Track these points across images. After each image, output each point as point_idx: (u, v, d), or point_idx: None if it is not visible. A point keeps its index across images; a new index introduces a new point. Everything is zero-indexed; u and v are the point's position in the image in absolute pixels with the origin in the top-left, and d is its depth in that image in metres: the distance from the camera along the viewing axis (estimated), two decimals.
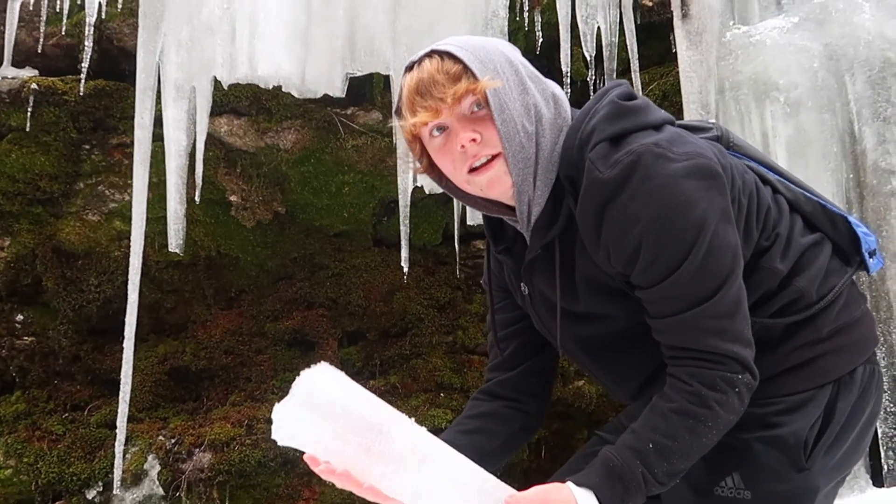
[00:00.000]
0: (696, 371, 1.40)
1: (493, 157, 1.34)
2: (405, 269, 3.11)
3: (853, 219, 1.66)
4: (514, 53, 1.41)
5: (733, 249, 1.40)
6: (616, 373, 1.60)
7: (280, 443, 1.30)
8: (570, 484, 1.37)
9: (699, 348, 1.39)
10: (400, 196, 3.08)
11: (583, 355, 1.59)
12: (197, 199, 3.03)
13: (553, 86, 1.43)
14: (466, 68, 1.32)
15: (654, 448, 1.39)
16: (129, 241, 3.12)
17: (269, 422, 3.32)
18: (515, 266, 1.54)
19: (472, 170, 1.34)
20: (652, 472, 1.39)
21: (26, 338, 3.30)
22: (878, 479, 3.03)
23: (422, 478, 1.32)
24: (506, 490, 1.37)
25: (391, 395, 3.36)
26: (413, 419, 1.33)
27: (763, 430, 1.50)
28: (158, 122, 3.11)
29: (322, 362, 1.31)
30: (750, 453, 1.50)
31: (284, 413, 1.30)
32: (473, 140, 1.32)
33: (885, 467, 2.97)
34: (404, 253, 3.09)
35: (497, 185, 1.37)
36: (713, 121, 1.68)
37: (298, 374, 1.29)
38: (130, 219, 3.12)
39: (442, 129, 1.35)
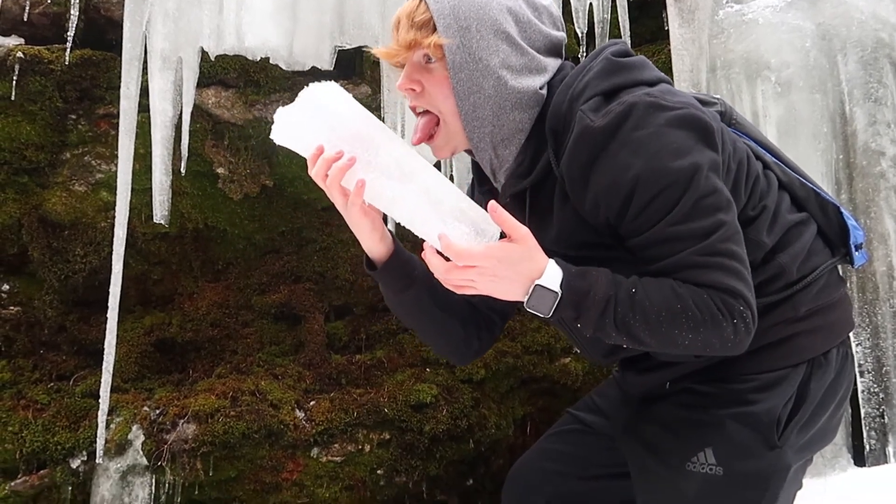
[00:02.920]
0: (707, 290, 1.36)
1: (437, 122, 1.40)
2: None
3: (845, 211, 1.66)
4: (521, 8, 1.41)
5: (726, 195, 1.39)
6: None
7: (277, 141, 1.36)
8: (551, 259, 1.36)
9: (699, 282, 1.35)
10: None
11: None
12: (182, 170, 3.02)
13: (558, 43, 1.44)
14: (431, 20, 1.35)
15: (634, 294, 1.36)
16: (115, 211, 3.12)
17: (253, 393, 3.30)
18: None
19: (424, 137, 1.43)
20: (616, 309, 1.35)
21: (12, 308, 3.29)
22: (859, 459, 3.04)
23: (401, 188, 1.34)
24: (480, 211, 1.37)
25: (377, 370, 3.37)
26: (405, 139, 1.34)
27: (737, 406, 1.50)
28: (145, 92, 3.09)
29: (330, 82, 1.36)
30: (723, 429, 1.49)
31: (286, 116, 1.36)
32: (411, 89, 1.39)
33: (867, 447, 2.98)
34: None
35: (443, 149, 1.44)
36: (718, 96, 1.67)
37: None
38: (117, 190, 3.11)
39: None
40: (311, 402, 3.20)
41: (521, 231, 1.36)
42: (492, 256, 1.34)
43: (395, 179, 1.35)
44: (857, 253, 1.64)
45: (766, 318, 1.47)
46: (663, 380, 1.57)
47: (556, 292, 1.34)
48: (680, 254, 1.37)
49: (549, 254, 1.42)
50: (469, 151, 1.49)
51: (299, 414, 3.15)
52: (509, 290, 1.36)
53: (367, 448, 3.21)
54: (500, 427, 3.43)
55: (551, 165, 1.43)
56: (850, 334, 1.62)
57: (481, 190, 1.59)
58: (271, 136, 1.36)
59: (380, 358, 3.39)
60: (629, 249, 1.43)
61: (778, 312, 1.50)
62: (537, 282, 1.34)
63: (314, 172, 1.38)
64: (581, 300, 1.35)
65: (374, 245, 1.50)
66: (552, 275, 1.35)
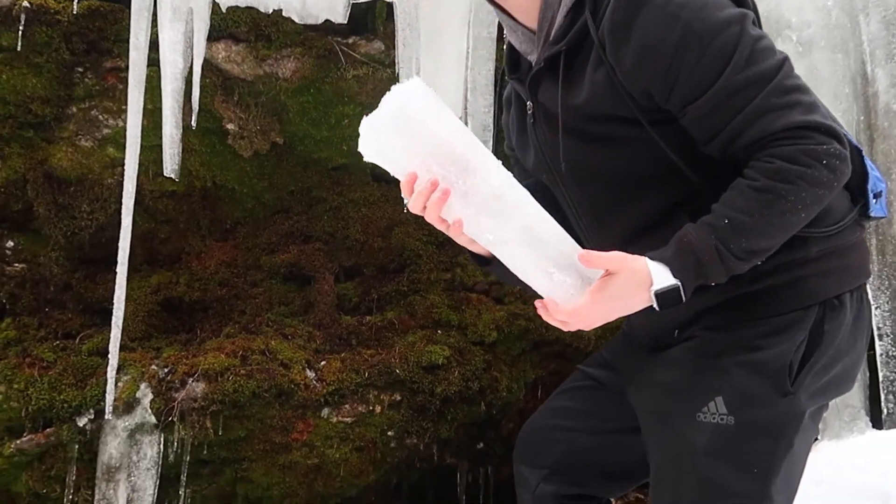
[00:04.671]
0: (777, 150, 1.35)
1: None
2: (407, 203, 3.05)
3: (867, 158, 1.62)
4: None
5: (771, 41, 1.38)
6: (601, 215, 1.56)
7: (367, 157, 1.30)
8: (645, 258, 1.36)
9: (775, 130, 1.32)
10: None
11: (574, 185, 1.55)
12: (193, 123, 2.96)
13: None
14: None
15: (728, 223, 1.34)
16: (123, 168, 3.05)
17: (263, 353, 3.25)
18: (524, 90, 1.55)
19: None
20: (727, 246, 1.33)
21: (17, 264, 3.23)
22: (877, 423, 3.02)
23: (501, 227, 1.30)
24: (577, 247, 1.36)
25: (388, 331, 3.33)
26: (501, 162, 1.31)
27: (745, 353, 1.46)
28: (154, 46, 3.02)
29: (415, 78, 1.29)
30: (731, 377, 1.46)
31: (373, 127, 1.27)
32: None
33: (885, 411, 2.96)
34: None
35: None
36: None
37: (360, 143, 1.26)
38: (124, 146, 3.05)
39: None
40: (322, 363, 3.16)
41: (617, 260, 1.37)
42: (599, 302, 1.37)
43: (493, 216, 1.30)
44: (874, 202, 1.59)
45: (775, 258, 1.43)
46: (671, 326, 1.52)
47: (675, 284, 1.33)
48: (754, 101, 1.34)
49: (571, 126, 1.44)
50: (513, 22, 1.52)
51: (310, 374, 3.11)
52: (630, 308, 1.40)
53: (378, 409, 3.17)
54: (512, 390, 3.39)
55: (588, 28, 1.41)
56: (868, 290, 1.58)
57: (511, 78, 1.60)
58: (360, 150, 1.29)
59: (390, 319, 3.35)
60: (665, 122, 1.40)
61: (790, 252, 1.45)
62: (653, 289, 1.35)
63: (410, 205, 1.36)
64: (698, 270, 1.35)
65: (482, 250, 1.51)
66: (659, 273, 1.36)
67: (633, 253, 1.48)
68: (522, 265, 1.36)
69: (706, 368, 1.49)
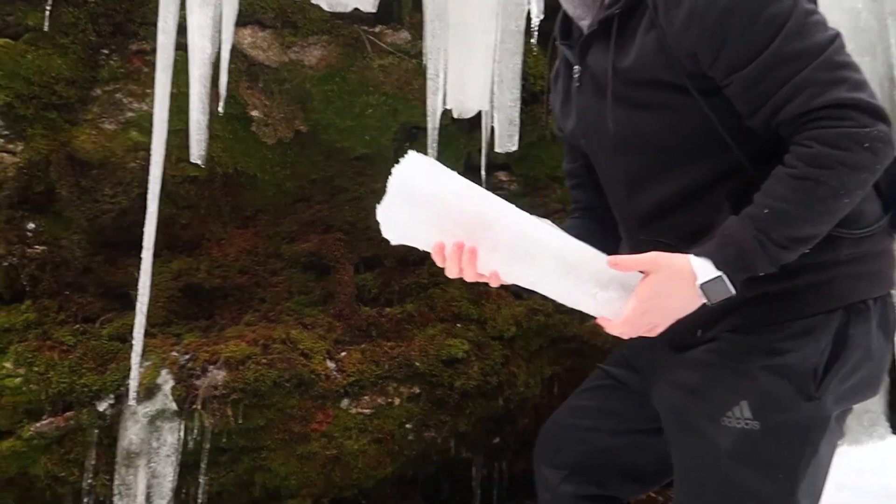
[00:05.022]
0: (816, 133, 1.34)
1: None
2: None
3: None
4: None
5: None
6: (635, 186, 1.56)
7: (393, 242, 1.35)
8: (689, 255, 1.37)
9: (818, 106, 1.32)
10: (428, 118, 3.00)
11: (612, 152, 1.56)
12: (220, 110, 2.94)
13: None
14: None
15: (769, 213, 1.35)
16: (146, 152, 3.04)
17: (284, 342, 3.26)
18: (574, 54, 1.59)
19: None
20: (768, 235, 1.33)
21: (38, 247, 3.21)
22: None
23: (535, 266, 1.34)
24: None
25: (407, 323, 3.32)
26: (514, 205, 1.36)
27: (769, 357, 1.46)
28: (181, 30, 2.99)
29: (411, 152, 1.34)
30: (757, 382, 1.46)
31: (387, 211, 1.32)
32: None
33: None
34: None
35: None
36: None
37: (393, 170, 1.30)
38: (147, 129, 3.03)
39: None
40: (342, 353, 3.15)
41: (648, 258, 1.39)
42: (645, 303, 1.38)
43: (523, 259, 1.33)
44: None
45: (802, 258, 1.43)
46: (693, 325, 1.52)
47: (718, 275, 1.34)
48: (800, 73, 1.34)
49: (618, 91, 1.45)
50: None
51: (330, 364, 3.11)
52: (683, 307, 1.41)
53: (397, 401, 3.17)
54: (529, 385, 3.39)
55: None
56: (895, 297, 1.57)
57: (562, 43, 1.63)
58: (385, 237, 1.34)
59: (410, 312, 3.34)
60: (711, 92, 1.39)
61: (817, 251, 1.44)
62: (698, 283, 1.36)
63: (447, 271, 1.41)
64: (741, 261, 1.35)
65: None
66: (702, 267, 1.37)
67: (658, 232, 1.49)
68: (566, 295, 1.39)
69: (730, 372, 1.49)
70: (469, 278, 1.43)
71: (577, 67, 1.60)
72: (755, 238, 1.33)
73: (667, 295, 1.39)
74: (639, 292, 1.39)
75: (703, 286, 1.36)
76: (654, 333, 1.44)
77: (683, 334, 1.56)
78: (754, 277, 1.40)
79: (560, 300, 1.43)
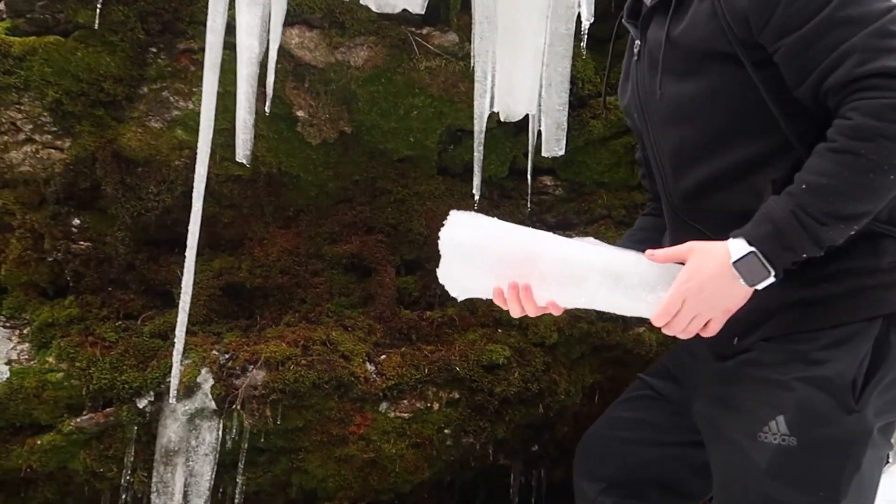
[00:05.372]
0: (859, 104, 1.29)
1: None
2: (476, 197, 3.01)
3: None
4: None
5: None
6: (682, 162, 1.54)
7: (459, 298, 1.47)
8: (726, 241, 1.37)
9: (864, 74, 1.29)
10: (475, 121, 2.96)
11: (661, 126, 1.56)
12: (267, 110, 2.93)
13: None
14: None
15: (806, 187, 1.32)
16: (191, 150, 3.05)
17: (324, 343, 3.24)
18: (636, 31, 1.62)
19: None
20: (805, 210, 1.31)
21: (82, 243, 3.23)
22: None
23: (584, 287, 1.40)
24: (659, 266, 1.40)
25: (448, 328, 3.29)
26: (552, 233, 1.46)
27: (806, 368, 1.41)
28: (229, 30, 2.99)
29: (452, 212, 1.46)
30: (793, 394, 1.41)
31: (446, 272, 1.45)
32: None
33: None
34: (476, 180, 2.98)
35: None
36: None
37: (442, 226, 1.43)
38: (193, 128, 3.04)
39: None
40: (382, 356, 3.13)
41: (684, 247, 1.39)
42: (682, 288, 1.37)
43: (573, 283, 1.40)
44: None
45: (842, 260, 1.39)
46: (729, 332, 1.48)
47: (751, 251, 1.31)
48: (850, 40, 1.30)
49: (670, 60, 1.47)
50: None
51: (370, 367, 3.08)
52: (725, 293, 1.39)
53: (436, 406, 3.13)
54: (569, 394, 3.34)
55: None
56: None
57: (628, 21, 1.66)
58: (452, 296, 1.48)
59: (451, 316, 3.31)
60: (762, 63, 1.37)
61: (858, 256, 1.40)
62: (732, 261, 1.32)
63: (511, 312, 1.48)
64: (778, 237, 1.31)
65: None
66: (736, 246, 1.35)
67: (698, 214, 1.47)
68: (620, 306, 1.43)
69: (766, 385, 1.45)
70: (532, 313, 1.48)
71: (637, 42, 1.63)
72: (792, 213, 1.29)
73: (705, 279, 1.36)
74: (677, 279, 1.38)
75: (737, 264, 1.32)
76: (708, 331, 1.40)
77: (722, 342, 1.54)
78: (791, 280, 1.36)
79: (619, 312, 1.45)
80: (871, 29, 1.27)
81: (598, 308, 1.46)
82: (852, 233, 1.33)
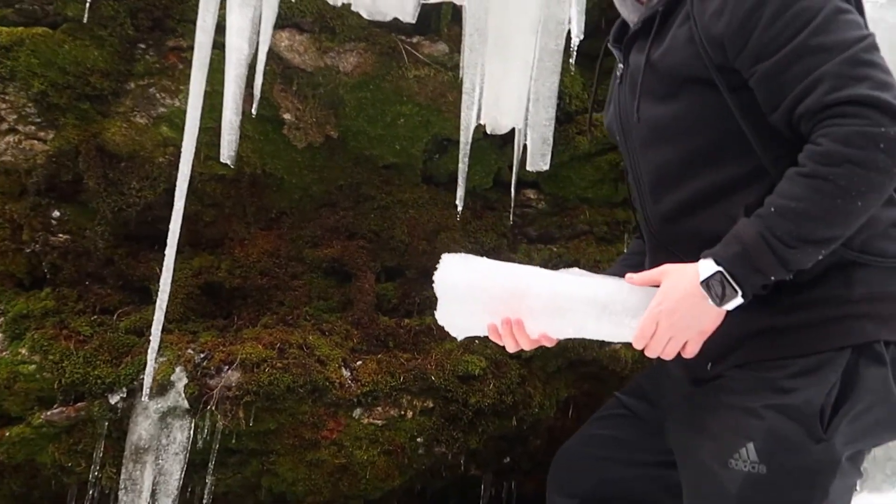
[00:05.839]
0: (829, 130, 1.31)
1: None
2: (459, 208, 3.02)
3: None
4: None
5: (860, 18, 1.36)
6: (660, 186, 1.56)
7: (460, 338, 1.55)
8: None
9: (836, 101, 1.30)
10: (462, 132, 2.97)
11: (641, 148, 1.58)
12: (254, 111, 2.93)
13: None
14: None
15: (775, 210, 1.34)
16: (175, 148, 3.03)
17: (301, 347, 3.23)
18: (620, 54, 1.65)
19: None
20: (773, 233, 1.31)
21: (61, 235, 3.21)
22: None
23: (571, 318, 1.44)
24: (639, 290, 1.43)
25: (425, 336, 3.29)
26: (539, 267, 1.50)
27: (775, 396, 1.43)
28: (219, 29, 2.99)
29: (444, 256, 1.52)
30: (763, 422, 1.42)
31: (444, 315, 1.50)
32: None
33: None
34: (460, 191, 2.99)
35: None
36: None
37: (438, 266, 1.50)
38: (178, 125, 3.03)
39: None
40: (358, 362, 3.13)
41: (658, 270, 1.42)
42: (655, 310, 1.39)
43: (559, 314, 1.44)
44: None
45: (813, 289, 1.41)
46: (703, 357, 1.49)
47: (718, 270, 1.32)
48: (822, 67, 1.32)
49: (649, 84, 1.50)
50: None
51: (345, 373, 3.08)
52: (697, 314, 1.40)
53: (410, 414, 3.13)
54: (544, 407, 3.35)
55: None
56: None
57: (613, 46, 1.70)
58: (454, 337, 1.56)
59: (429, 324, 3.31)
60: (738, 88, 1.40)
61: (829, 285, 1.42)
62: (700, 280, 1.35)
63: (507, 348, 1.53)
64: (745, 258, 1.33)
65: None
66: (705, 266, 1.38)
67: (674, 237, 1.50)
68: (606, 333, 1.45)
69: (737, 412, 1.46)
70: (527, 347, 1.51)
71: (620, 66, 1.65)
72: (760, 235, 1.31)
73: (678, 300, 1.38)
74: (651, 302, 1.39)
75: (704, 283, 1.34)
76: (687, 352, 1.42)
77: (697, 366, 1.56)
78: (762, 307, 1.37)
79: (607, 339, 1.48)
80: (843, 57, 1.29)
81: (587, 337, 1.49)
82: (820, 257, 1.34)
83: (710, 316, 1.38)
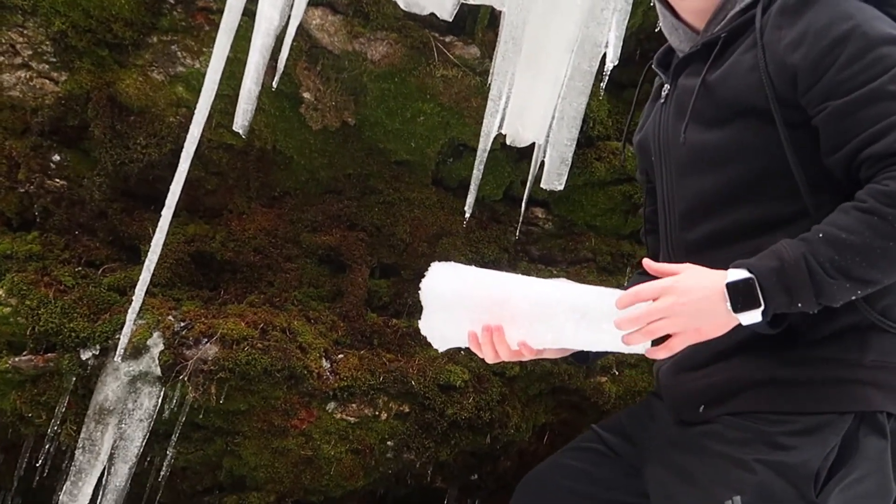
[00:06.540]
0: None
1: None
2: (467, 215, 2.95)
3: None
4: None
5: None
6: (693, 215, 1.51)
7: (441, 349, 1.51)
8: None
9: None
10: (481, 139, 2.90)
11: (678, 174, 1.52)
12: (274, 84, 2.86)
13: None
14: None
15: (823, 237, 1.27)
16: (188, 110, 2.97)
17: (284, 331, 3.14)
18: (667, 75, 1.60)
19: None
20: (816, 258, 1.25)
21: (58, 180, 3.14)
22: None
23: (551, 324, 1.39)
24: (617, 294, 1.37)
25: (411, 339, 3.22)
26: (524, 276, 1.47)
27: (770, 451, 1.36)
28: None
29: (433, 264, 1.48)
30: (754, 476, 1.36)
31: (427, 322, 1.47)
32: None
33: None
34: (471, 198, 2.92)
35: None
36: None
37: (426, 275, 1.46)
38: (194, 87, 2.96)
39: None
40: (340, 355, 3.06)
41: (678, 265, 1.34)
42: (667, 283, 1.31)
43: (540, 320, 1.40)
44: None
45: (825, 348, 1.35)
46: (697, 399, 1.45)
47: (750, 276, 1.26)
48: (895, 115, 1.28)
49: (701, 107, 1.45)
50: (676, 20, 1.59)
51: (325, 364, 3.01)
52: (705, 308, 1.31)
53: (385, 416, 3.06)
54: (520, 429, 3.29)
55: (754, 18, 1.41)
56: None
57: (658, 67, 1.66)
58: (436, 349, 1.52)
59: (416, 328, 3.23)
60: (796, 125, 1.36)
61: (842, 346, 1.36)
62: (727, 282, 1.26)
63: (487, 358, 1.47)
64: (781, 276, 1.26)
65: (567, 353, 1.60)
66: (736, 271, 1.29)
67: (704, 264, 1.41)
68: (587, 341, 1.40)
69: (726, 462, 1.40)
70: (505, 357, 1.44)
71: (666, 87, 1.60)
72: (802, 255, 1.25)
73: (690, 287, 1.29)
74: (661, 279, 1.33)
75: (730, 285, 1.27)
76: (667, 347, 1.33)
77: (685, 405, 1.49)
78: (769, 356, 1.33)
79: (586, 348, 1.44)
80: None
81: (567, 345, 1.45)
82: (854, 297, 1.29)
83: (717, 318, 1.30)
